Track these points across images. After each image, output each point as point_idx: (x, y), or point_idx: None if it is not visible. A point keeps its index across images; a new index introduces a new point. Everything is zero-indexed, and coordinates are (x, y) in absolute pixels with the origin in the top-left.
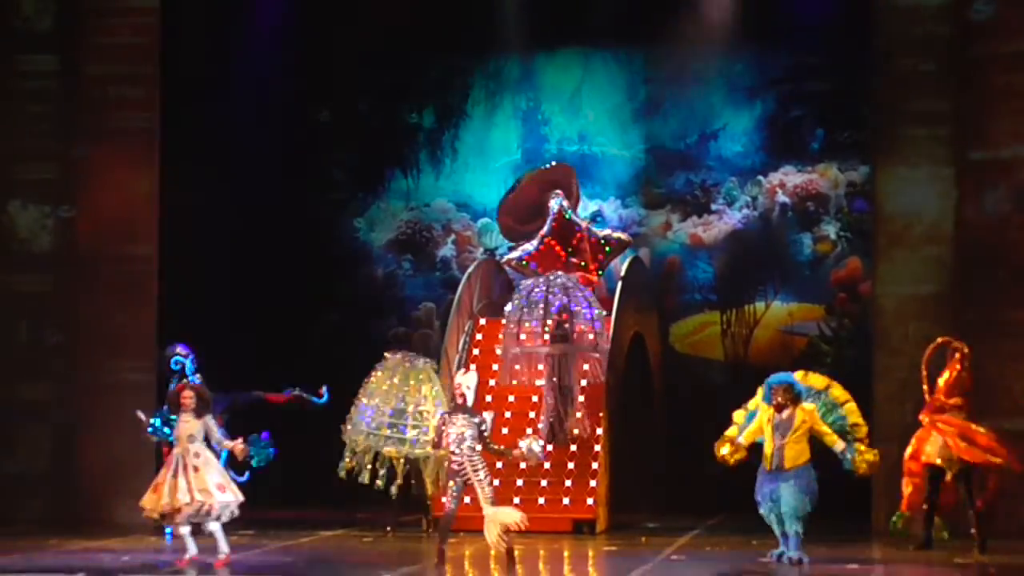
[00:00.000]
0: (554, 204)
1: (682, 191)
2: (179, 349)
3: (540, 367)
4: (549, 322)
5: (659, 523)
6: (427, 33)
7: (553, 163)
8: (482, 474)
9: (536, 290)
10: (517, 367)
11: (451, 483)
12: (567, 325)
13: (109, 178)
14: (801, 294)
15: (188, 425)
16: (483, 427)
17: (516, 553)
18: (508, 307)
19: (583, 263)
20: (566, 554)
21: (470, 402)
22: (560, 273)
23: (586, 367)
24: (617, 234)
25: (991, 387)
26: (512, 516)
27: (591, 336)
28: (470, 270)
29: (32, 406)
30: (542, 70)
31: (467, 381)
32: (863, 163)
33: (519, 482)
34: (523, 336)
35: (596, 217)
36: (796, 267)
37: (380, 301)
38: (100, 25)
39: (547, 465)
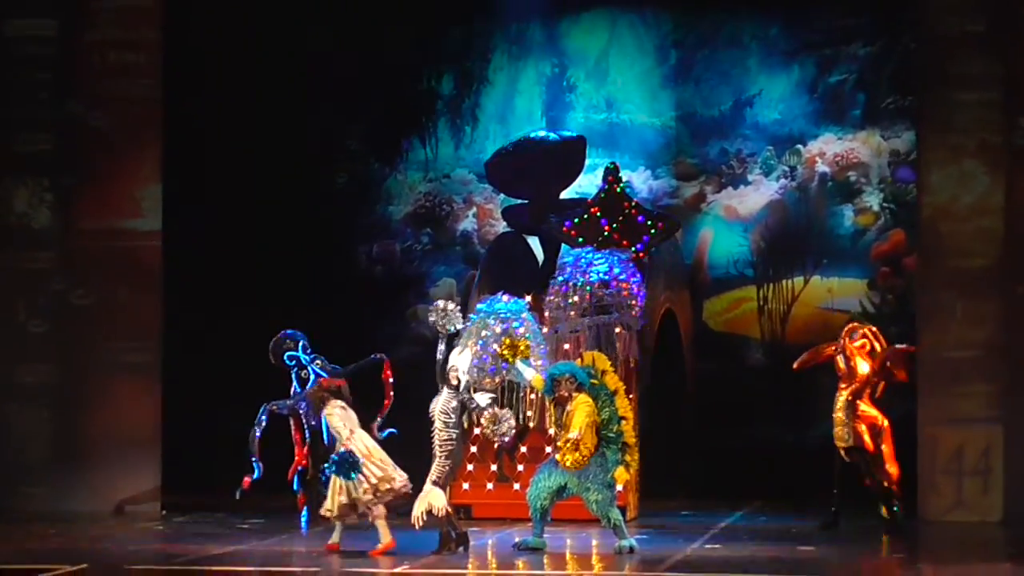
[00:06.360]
0: (604, 173)
1: (716, 161)
2: (287, 342)
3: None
4: (587, 295)
5: (693, 509)
6: None
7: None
8: (443, 456)
9: (571, 269)
10: (566, 347)
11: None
12: (608, 294)
13: (110, 149)
14: (842, 269)
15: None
16: (471, 404)
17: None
18: (548, 296)
19: (625, 242)
20: (594, 543)
21: (463, 385)
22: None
23: (618, 344)
24: (667, 217)
25: None
26: (438, 501)
27: (634, 304)
28: (492, 244)
29: (31, 390)
30: (567, 34)
31: (461, 363)
32: (907, 130)
33: None
34: (570, 312)
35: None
36: (836, 240)
37: (397, 276)
38: None
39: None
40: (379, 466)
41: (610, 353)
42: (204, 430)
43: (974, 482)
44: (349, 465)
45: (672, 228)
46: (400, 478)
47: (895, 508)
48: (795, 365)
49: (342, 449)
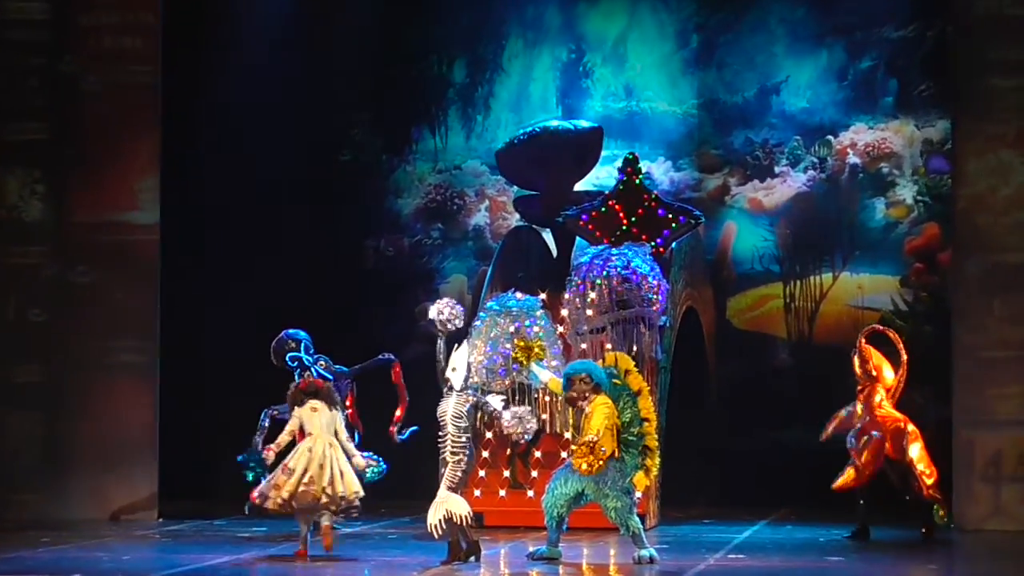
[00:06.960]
0: (622, 164)
1: (741, 151)
2: (289, 343)
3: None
4: (605, 290)
5: (715, 518)
6: None
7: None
8: (455, 461)
9: (587, 267)
10: (583, 347)
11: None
12: (627, 289)
13: (106, 138)
14: (873, 265)
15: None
16: (487, 407)
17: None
18: (567, 295)
19: (645, 236)
20: (612, 552)
21: (457, 385)
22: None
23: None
24: (688, 210)
25: None
26: (461, 508)
27: (655, 299)
28: (505, 239)
29: (22, 390)
30: (584, 17)
31: (459, 361)
32: (942, 118)
33: None
34: (588, 311)
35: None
36: (867, 235)
37: (406, 272)
38: None
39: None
40: (290, 477)
41: (632, 352)
42: (202, 434)
43: (1013, 489)
44: (259, 469)
45: (694, 222)
46: (299, 496)
47: (934, 516)
48: (822, 437)
49: (260, 452)
